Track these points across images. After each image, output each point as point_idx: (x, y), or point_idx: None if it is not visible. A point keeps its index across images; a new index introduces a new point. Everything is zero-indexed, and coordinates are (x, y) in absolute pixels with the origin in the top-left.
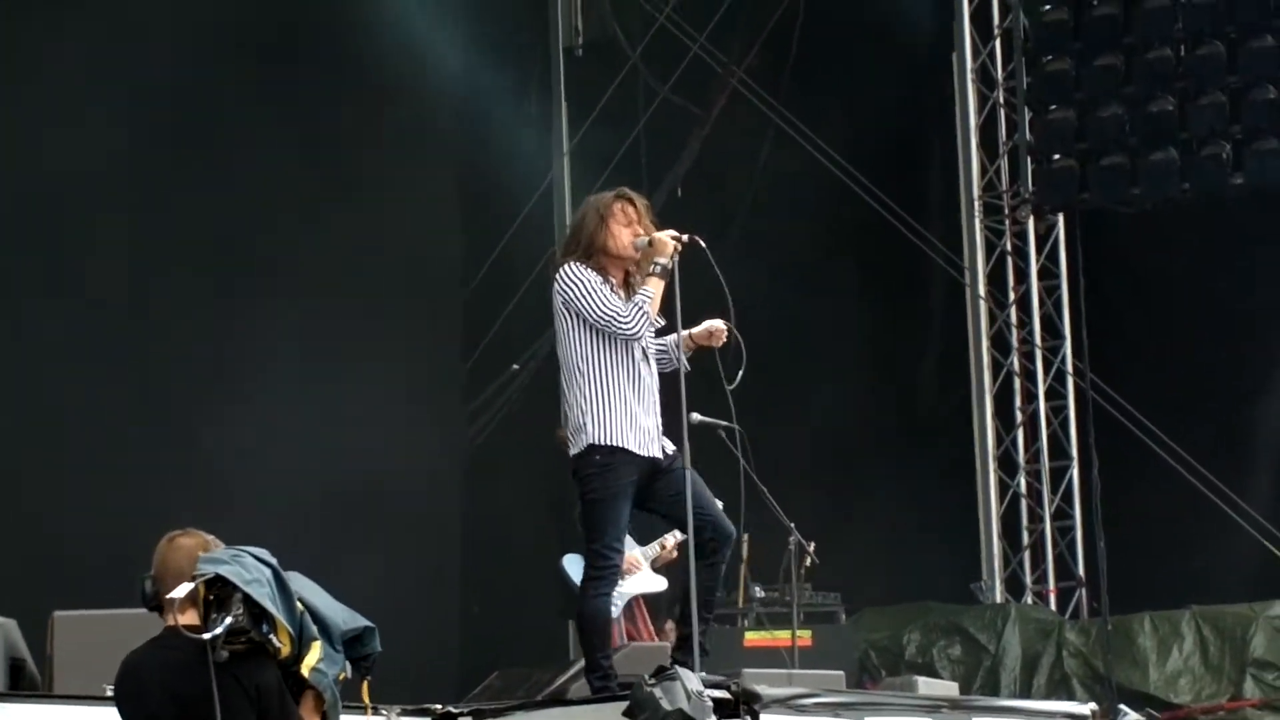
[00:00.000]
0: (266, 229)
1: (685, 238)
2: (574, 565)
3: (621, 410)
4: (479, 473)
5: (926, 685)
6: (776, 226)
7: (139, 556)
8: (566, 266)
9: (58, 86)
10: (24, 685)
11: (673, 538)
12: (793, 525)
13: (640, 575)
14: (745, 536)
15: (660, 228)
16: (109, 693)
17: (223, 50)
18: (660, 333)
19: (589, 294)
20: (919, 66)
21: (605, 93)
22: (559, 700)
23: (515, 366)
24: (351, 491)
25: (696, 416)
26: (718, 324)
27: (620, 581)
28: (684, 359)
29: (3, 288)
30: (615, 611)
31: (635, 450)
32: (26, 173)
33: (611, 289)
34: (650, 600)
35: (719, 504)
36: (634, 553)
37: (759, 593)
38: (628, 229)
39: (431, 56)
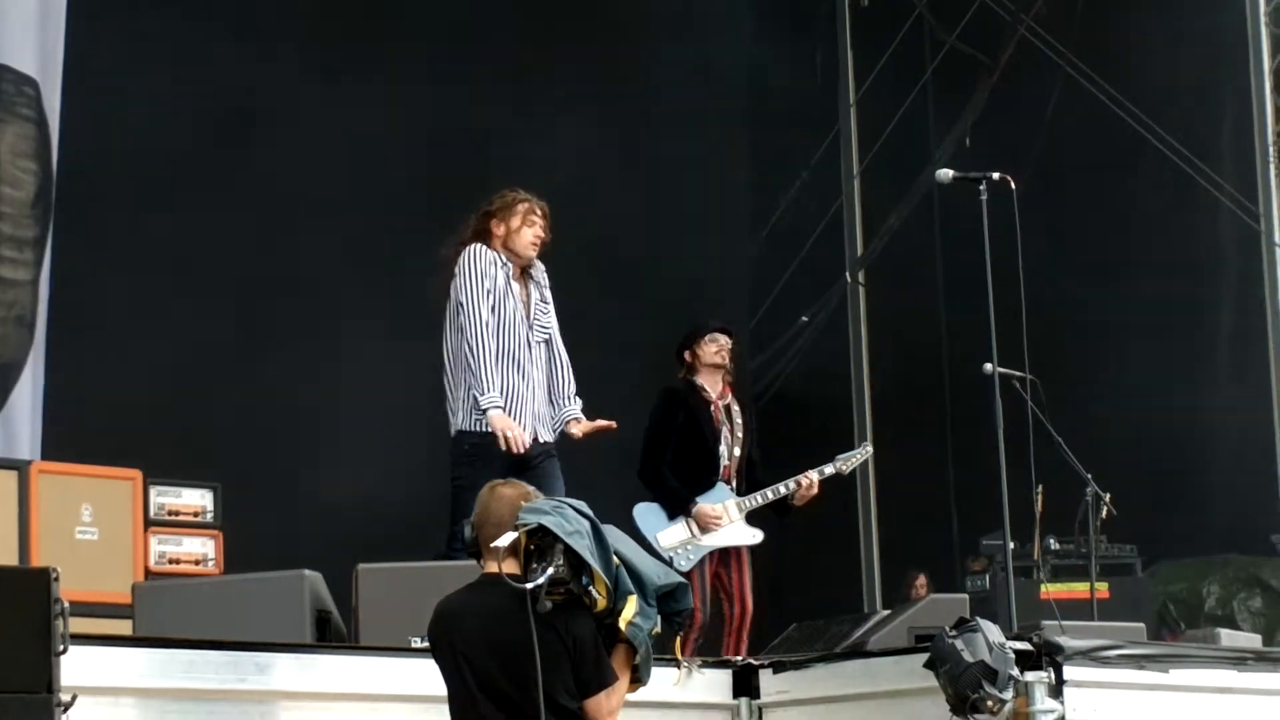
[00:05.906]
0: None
1: None
2: (644, 515)
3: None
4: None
5: (1229, 638)
6: (1066, 176)
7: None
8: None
9: None
10: (330, 637)
11: (816, 473)
12: (1089, 476)
13: (724, 530)
14: (1039, 488)
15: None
16: (414, 644)
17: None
18: None
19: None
20: (1210, 9)
21: (892, 42)
22: (859, 652)
23: (804, 318)
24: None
25: (991, 367)
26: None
27: (697, 536)
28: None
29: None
30: (687, 565)
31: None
32: None
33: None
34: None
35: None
36: (725, 503)
37: (1054, 545)
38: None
39: (716, 11)
